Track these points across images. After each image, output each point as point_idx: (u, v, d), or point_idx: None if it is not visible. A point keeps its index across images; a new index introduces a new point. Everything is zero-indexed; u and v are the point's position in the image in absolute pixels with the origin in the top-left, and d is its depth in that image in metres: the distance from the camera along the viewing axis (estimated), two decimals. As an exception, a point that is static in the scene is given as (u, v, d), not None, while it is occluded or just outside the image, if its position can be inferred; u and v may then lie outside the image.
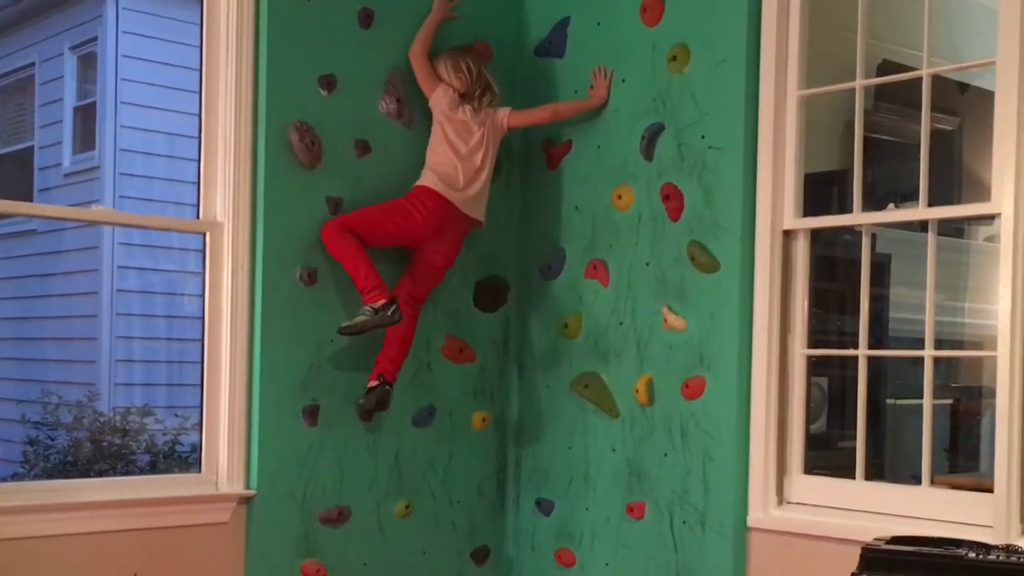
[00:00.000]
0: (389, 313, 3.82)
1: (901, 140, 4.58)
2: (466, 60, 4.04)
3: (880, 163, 4.59)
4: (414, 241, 3.99)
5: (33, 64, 8.70)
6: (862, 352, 3.65)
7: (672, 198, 3.91)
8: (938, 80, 3.56)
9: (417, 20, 4.09)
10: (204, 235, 3.83)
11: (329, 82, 3.93)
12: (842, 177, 4.11)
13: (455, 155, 3.98)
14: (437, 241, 4.01)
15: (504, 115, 4.08)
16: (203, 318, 3.85)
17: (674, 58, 3.90)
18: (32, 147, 8.70)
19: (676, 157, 3.90)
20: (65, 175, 8.49)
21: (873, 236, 3.81)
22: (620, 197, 4.06)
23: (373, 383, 3.98)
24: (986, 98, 3.48)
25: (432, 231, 3.97)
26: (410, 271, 4.04)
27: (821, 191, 4.14)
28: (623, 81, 4.06)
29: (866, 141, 3.68)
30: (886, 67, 4.17)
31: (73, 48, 8.52)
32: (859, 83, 3.65)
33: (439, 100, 4.01)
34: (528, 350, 4.38)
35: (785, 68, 3.72)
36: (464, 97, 4.01)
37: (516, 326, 4.42)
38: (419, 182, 3.98)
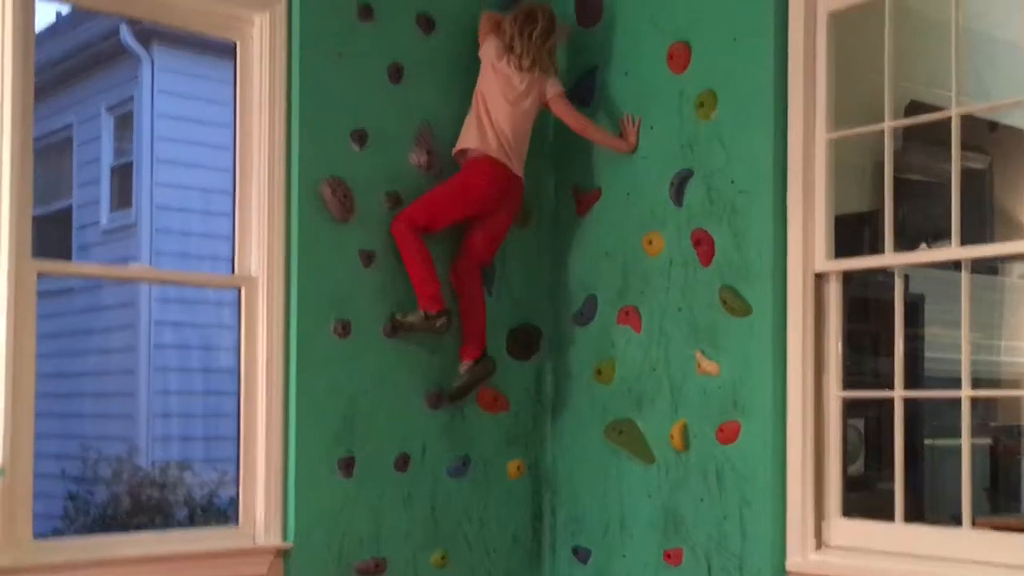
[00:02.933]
0: (437, 324, 3.98)
1: (932, 179, 4.58)
2: (515, 26, 4.04)
3: (911, 202, 4.58)
4: (480, 211, 4.06)
5: (71, 125, 8.87)
6: (898, 394, 3.62)
7: (703, 243, 3.92)
8: (967, 118, 3.55)
9: (446, 73, 4.15)
10: (239, 290, 3.87)
11: (361, 137, 3.98)
12: (873, 218, 4.10)
13: (496, 106, 4.03)
14: (499, 205, 4.08)
15: (551, 91, 4.10)
16: (239, 372, 3.88)
17: (701, 104, 3.92)
18: (71, 206, 8.85)
19: (706, 202, 3.91)
20: (103, 232, 8.63)
21: (906, 276, 3.79)
22: (651, 243, 4.08)
23: (468, 361, 4.10)
24: (1016, 136, 3.49)
25: (496, 196, 4.05)
26: (479, 230, 4.10)
27: (852, 232, 4.14)
28: (651, 128, 4.08)
29: (896, 181, 3.67)
30: (914, 107, 4.17)
31: (110, 109, 8.68)
32: (887, 125, 3.65)
33: (487, 50, 4.07)
34: (562, 397, 4.38)
35: (813, 111, 3.73)
36: (508, 52, 4.04)
37: (549, 373, 4.43)
38: (471, 152, 4.04)
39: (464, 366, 4.13)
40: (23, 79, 3.41)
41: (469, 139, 4.06)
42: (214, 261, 7.43)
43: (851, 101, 3.85)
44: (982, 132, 4.76)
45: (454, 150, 4.11)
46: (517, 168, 4.09)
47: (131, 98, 8.34)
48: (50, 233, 8.66)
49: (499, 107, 4.04)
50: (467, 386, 4.13)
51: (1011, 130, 4.71)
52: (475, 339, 4.13)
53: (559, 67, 4.21)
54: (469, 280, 4.14)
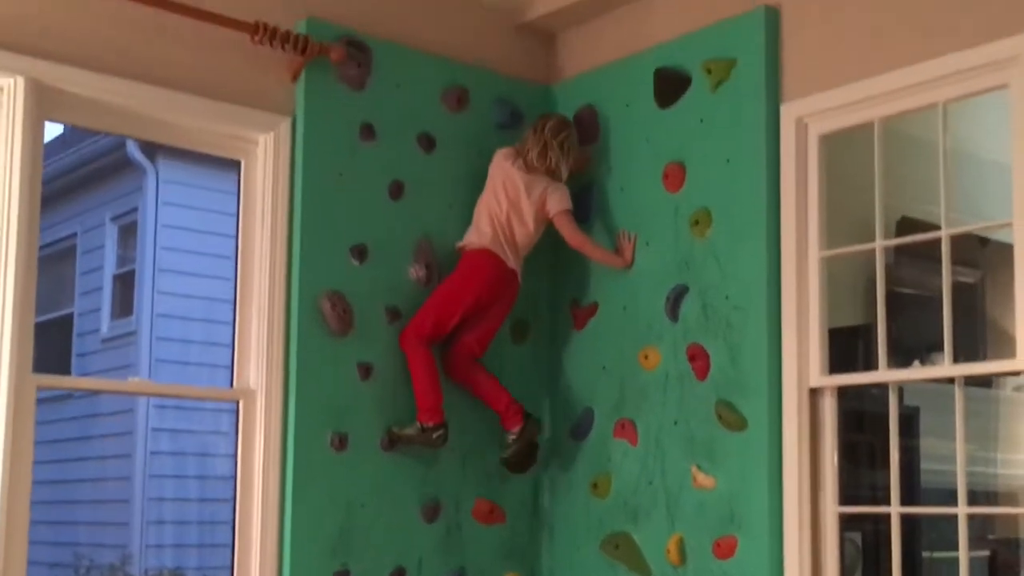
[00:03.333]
0: (433, 436, 4.00)
1: (924, 293, 4.62)
2: (529, 129, 4.21)
3: (904, 315, 4.62)
4: (478, 305, 4.11)
5: (75, 234, 8.98)
6: (894, 510, 3.62)
7: (698, 358, 3.95)
8: (958, 234, 3.61)
9: (446, 190, 4.24)
10: (237, 403, 3.89)
11: (361, 252, 4.04)
12: (867, 331, 4.15)
13: (496, 204, 4.12)
14: (495, 298, 4.14)
15: (555, 207, 4.15)
16: (235, 484, 3.88)
17: (696, 222, 3.99)
18: (72, 314, 8.90)
19: (701, 317, 3.96)
20: (103, 340, 8.66)
21: (900, 389, 3.82)
22: (647, 357, 4.11)
23: (516, 428, 4.12)
24: (1006, 252, 3.53)
25: (492, 288, 4.11)
26: (471, 327, 4.15)
27: (846, 345, 4.17)
28: (647, 244, 4.15)
29: (889, 295, 3.71)
30: (905, 223, 4.24)
31: (114, 219, 8.80)
32: (879, 244, 3.71)
33: (498, 152, 4.20)
34: (558, 510, 4.37)
35: (806, 230, 3.79)
36: (519, 155, 4.17)
37: (546, 486, 4.42)
38: (469, 247, 4.14)
39: (511, 435, 4.15)
40: (30, 199, 3.47)
41: (469, 235, 4.16)
42: (213, 369, 7.46)
43: (843, 218, 3.91)
44: (973, 247, 4.82)
45: (457, 244, 4.20)
46: (513, 262, 4.14)
47: (135, 208, 8.47)
48: (50, 340, 8.70)
49: (499, 202, 4.13)
50: (521, 450, 4.16)
51: (1002, 245, 4.77)
52: (509, 409, 4.15)
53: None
54: (466, 370, 4.17)
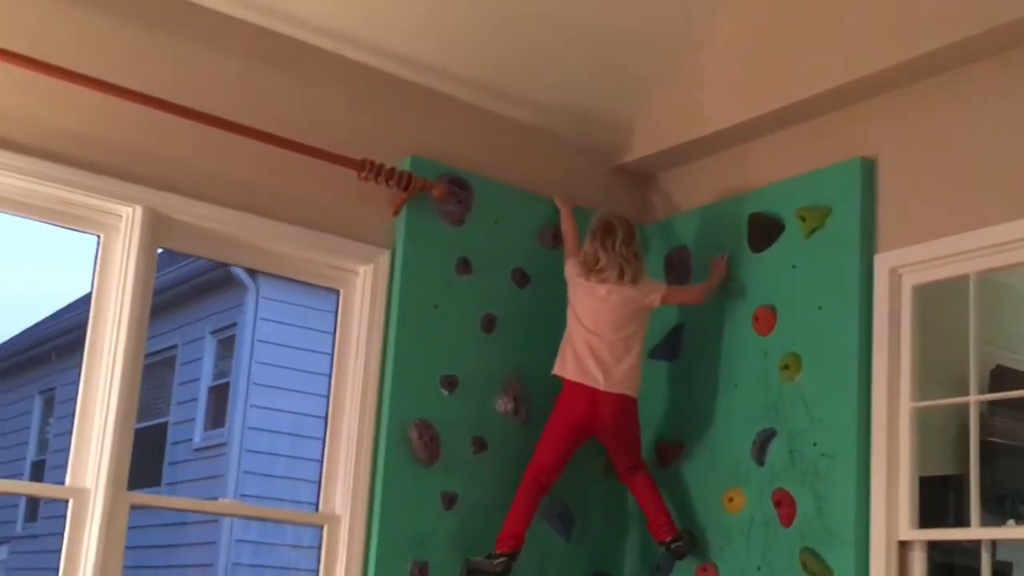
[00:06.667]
0: (495, 563, 3.93)
1: (1018, 444, 4.53)
2: (595, 241, 4.10)
3: (997, 464, 4.53)
4: (567, 438, 4.07)
5: (176, 346, 9.23)
6: (985, 674, 3.52)
7: (784, 504, 3.91)
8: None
9: (537, 325, 4.29)
10: (322, 528, 3.93)
11: (451, 382, 4.10)
12: (958, 482, 4.06)
13: (582, 328, 4.06)
14: (595, 425, 4.07)
15: (657, 294, 4.11)
16: (315, 608, 3.92)
17: (786, 367, 3.98)
18: (167, 423, 9.10)
19: (788, 463, 3.92)
20: (195, 450, 8.82)
21: (993, 544, 3.72)
22: (731, 500, 4.08)
23: (668, 538, 4.08)
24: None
25: (578, 419, 4.05)
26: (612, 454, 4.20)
27: (937, 495, 4.09)
28: (735, 386, 4.14)
29: (982, 444, 3.65)
30: (1000, 373, 4.17)
31: (214, 332, 9.03)
32: (973, 398, 3.66)
33: (568, 273, 4.17)
34: (637, 651, 4.31)
35: (898, 380, 3.75)
36: (590, 270, 4.09)
37: (625, 625, 4.38)
38: (555, 370, 4.10)
39: (664, 545, 4.12)
40: (139, 323, 3.59)
41: (556, 366, 4.12)
42: (297, 483, 7.56)
43: (935, 365, 3.86)
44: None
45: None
46: (605, 383, 4.03)
47: (234, 323, 8.70)
48: (145, 448, 8.87)
49: (580, 326, 4.06)
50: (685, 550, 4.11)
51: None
52: (662, 528, 4.11)
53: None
54: (632, 488, 4.21)
